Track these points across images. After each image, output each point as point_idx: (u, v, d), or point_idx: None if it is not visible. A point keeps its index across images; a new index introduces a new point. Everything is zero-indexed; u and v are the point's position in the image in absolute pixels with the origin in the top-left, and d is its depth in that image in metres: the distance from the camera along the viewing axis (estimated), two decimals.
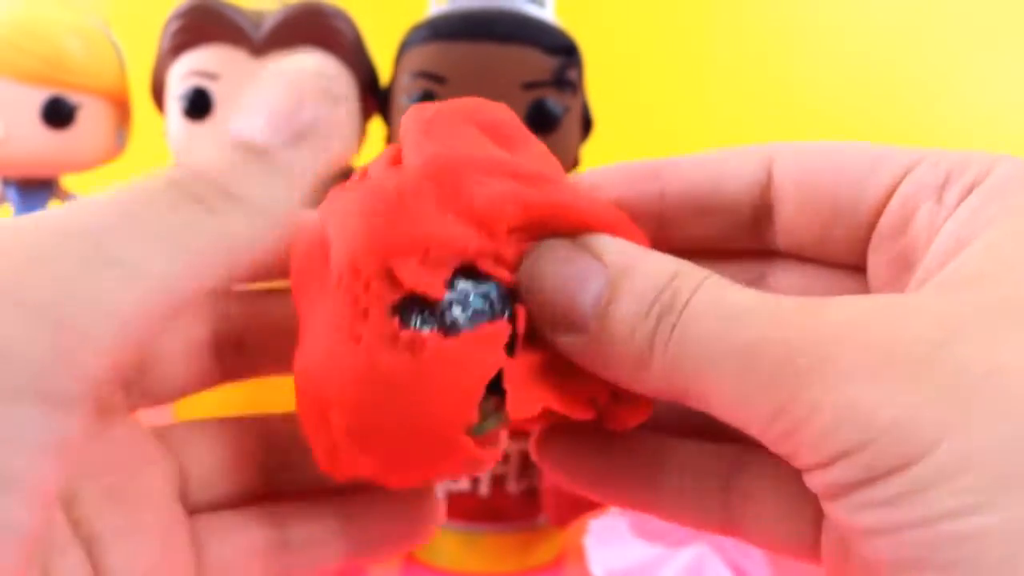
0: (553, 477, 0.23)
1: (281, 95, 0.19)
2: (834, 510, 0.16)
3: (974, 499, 0.14)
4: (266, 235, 0.18)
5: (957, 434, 0.14)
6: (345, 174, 0.48)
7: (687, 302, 0.17)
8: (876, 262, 0.20)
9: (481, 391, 0.18)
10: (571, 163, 0.46)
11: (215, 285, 0.17)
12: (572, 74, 0.43)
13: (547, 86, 0.43)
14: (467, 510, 0.46)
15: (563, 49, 0.43)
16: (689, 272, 0.18)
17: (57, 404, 0.14)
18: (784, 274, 0.22)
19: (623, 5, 0.86)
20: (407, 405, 0.18)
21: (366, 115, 0.47)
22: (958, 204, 0.18)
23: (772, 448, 0.17)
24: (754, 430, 0.17)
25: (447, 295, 0.19)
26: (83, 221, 0.16)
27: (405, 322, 0.19)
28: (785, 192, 0.21)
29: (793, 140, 0.22)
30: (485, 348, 0.18)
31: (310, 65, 0.19)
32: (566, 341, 0.19)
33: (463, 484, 0.45)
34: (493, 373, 0.18)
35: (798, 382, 0.16)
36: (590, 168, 0.23)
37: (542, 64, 0.43)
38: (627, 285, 0.18)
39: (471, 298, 0.19)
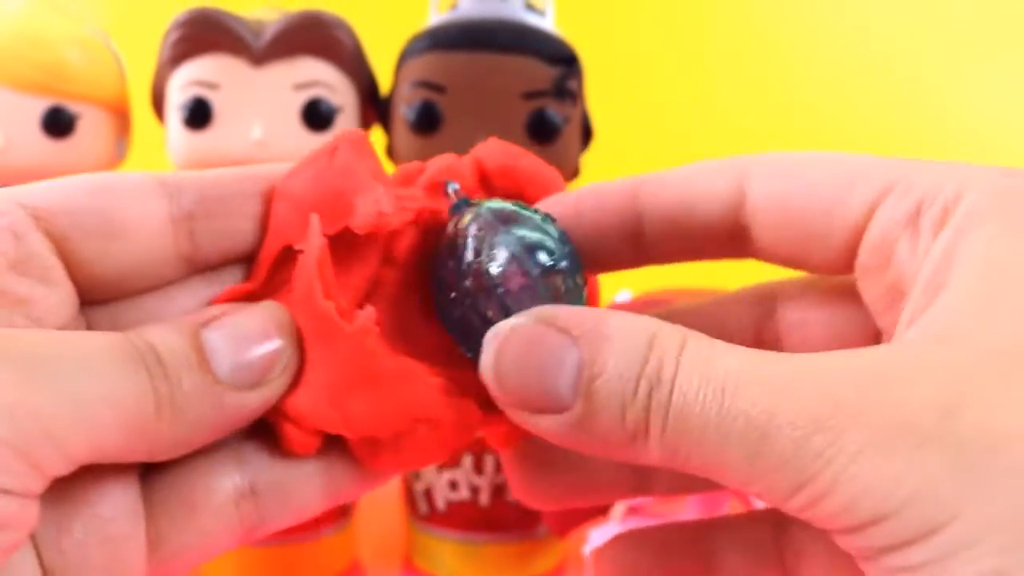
0: None
1: (259, 347, 0.19)
2: (868, 569, 0.16)
3: (996, 565, 0.15)
4: (178, 437, 0.19)
5: (974, 504, 0.15)
6: None
7: (675, 373, 0.17)
8: (870, 293, 0.20)
9: None
10: (571, 173, 0.46)
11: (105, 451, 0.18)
12: (572, 84, 0.43)
13: (547, 96, 0.43)
14: (467, 520, 0.46)
15: (563, 59, 0.43)
16: (667, 333, 0.18)
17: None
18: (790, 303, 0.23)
19: (623, 14, 0.86)
20: None
21: (366, 125, 0.47)
22: (934, 235, 0.18)
23: (794, 515, 0.17)
24: (771, 501, 0.17)
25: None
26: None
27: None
28: (759, 214, 0.21)
29: (794, 145, 0.22)
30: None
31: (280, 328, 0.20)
32: (547, 425, 0.18)
33: (463, 494, 0.45)
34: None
35: (816, 462, 0.16)
36: (565, 191, 0.23)
37: (542, 74, 0.43)
38: (606, 358, 0.17)
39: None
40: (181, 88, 0.44)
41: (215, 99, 0.43)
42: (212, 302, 0.21)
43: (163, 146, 0.46)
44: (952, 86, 0.95)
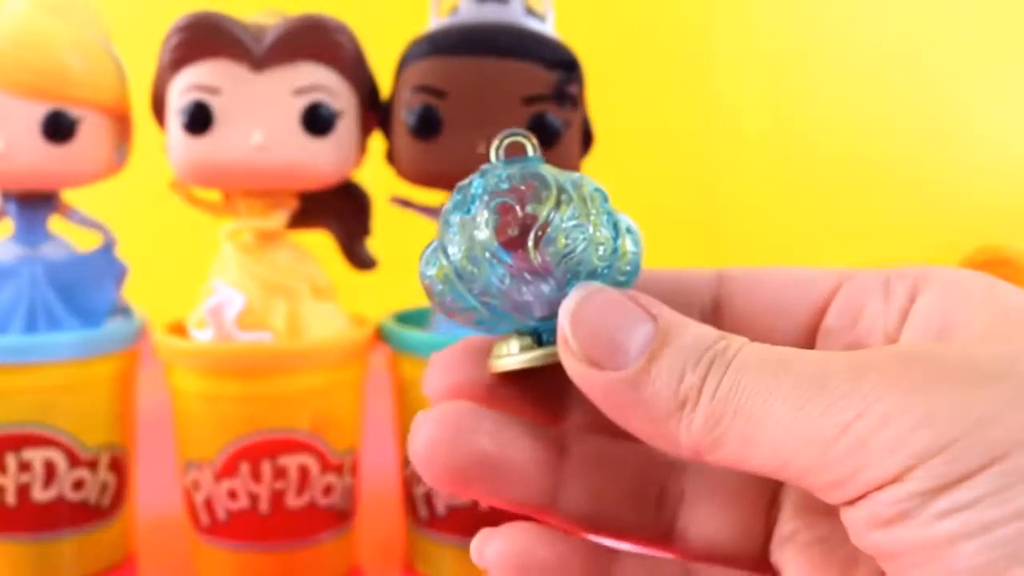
0: None
1: None
2: (906, 530, 0.16)
3: None
4: None
5: None
6: (344, 187, 0.47)
7: (741, 348, 0.18)
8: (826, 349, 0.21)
9: None
10: None
11: None
12: (573, 89, 0.43)
13: (547, 101, 0.43)
14: (467, 525, 0.45)
15: (564, 64, 0.43)
16: (735, 336, 0.19)
17: None
18: None
19: (624, 18, 0.86)
20: None
21: (366, 130, 0.47)
22: (909, 300, 0.20)
23: (822, 479, 0.16)
24: (803, 461, 0.16)
25: None
26: None
27: None
28: (734, 290, 0.22)
29: (795, 150, 0.23)
30: None
31: None
32: (601, 378, 0.19)
33: (463, 499, 0.45)
34: None
35: (870, 394, 0.16)
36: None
37: (543, 79, 0.43)
38: (678, 337, 0.19)
39: None
40: (181, 93, 0.44)
41: (215, 104, 0.43)
42: None
43: (163, 151, 0.45)
44: (954, 87, 0.95)
